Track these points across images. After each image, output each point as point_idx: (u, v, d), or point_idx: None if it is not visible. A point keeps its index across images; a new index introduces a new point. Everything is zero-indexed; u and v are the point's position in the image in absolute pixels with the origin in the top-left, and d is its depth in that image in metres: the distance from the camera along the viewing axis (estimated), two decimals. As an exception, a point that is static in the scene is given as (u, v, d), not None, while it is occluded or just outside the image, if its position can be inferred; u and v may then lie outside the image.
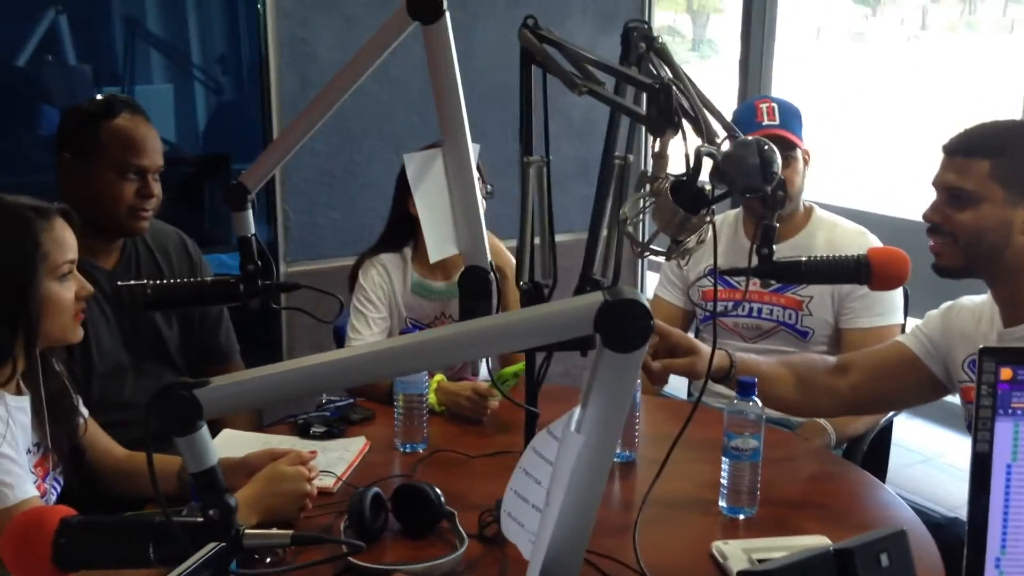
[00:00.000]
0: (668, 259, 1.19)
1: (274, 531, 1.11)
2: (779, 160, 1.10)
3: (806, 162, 2.43)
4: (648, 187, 1.16)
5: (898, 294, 2.39)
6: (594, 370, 0.95)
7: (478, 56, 3.34)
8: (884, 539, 1.10)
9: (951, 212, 1.74)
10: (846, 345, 2.37)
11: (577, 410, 0.99)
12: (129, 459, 1.87)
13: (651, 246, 1.21)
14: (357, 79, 1.55)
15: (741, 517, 1.72)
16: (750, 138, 1.11)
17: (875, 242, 2.39)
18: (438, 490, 1.66)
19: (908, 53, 10.22)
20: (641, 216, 1.21)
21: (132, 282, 1.63)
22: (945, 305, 1.94)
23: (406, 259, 2.47)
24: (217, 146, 3.50)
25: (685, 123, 1.21)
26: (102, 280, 2.09)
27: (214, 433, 2.04)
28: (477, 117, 1.57)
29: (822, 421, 2.24)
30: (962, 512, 1.61)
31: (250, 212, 1.67)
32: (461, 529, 1.62)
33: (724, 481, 1.73)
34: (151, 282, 1.63)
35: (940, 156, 1.77)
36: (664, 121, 1.14)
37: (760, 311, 2.45)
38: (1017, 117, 3.26)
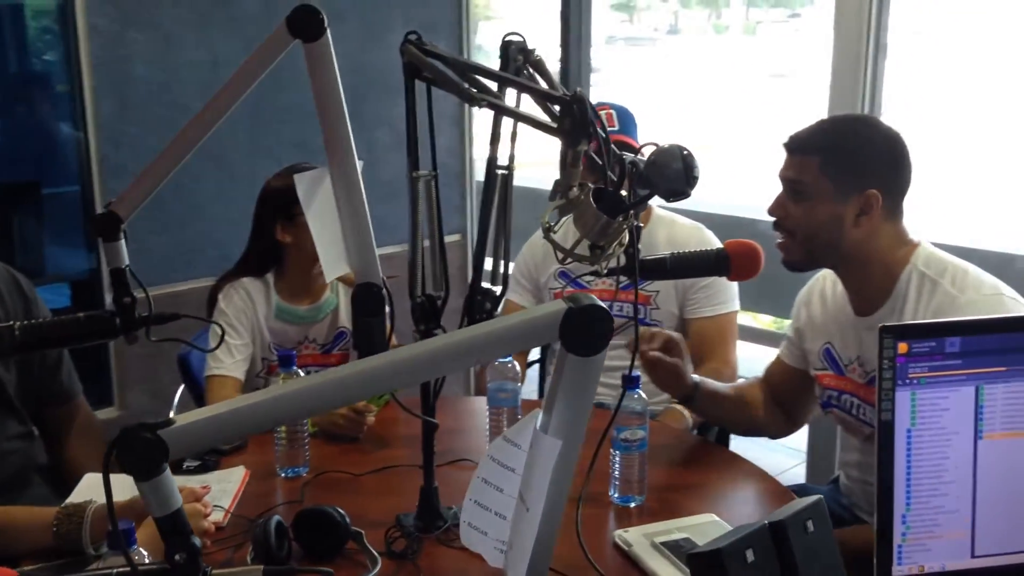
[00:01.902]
0: (592, 264, 1.24)
1: (244, 567, 1.07)
2: (699, 164, 1.18)
3: (644, 163, 2.56)
4: (567, 195, 1.21)
5: (735, 283, 2.56)
6: (558, 374, 0.98)
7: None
8: (807, 508, 1.20)
9: (790, 206, 1.88)
10: (692, 334, 2.52)
11: (539, 415, 1.02)
12: (-10, 515, 1.73)
13: (570, 252, 1.25)
14: (235, 100, 1.51)
15: (632, 505, 1.80)
16: (668, 144, 1.18)
17: (710, 235, 2.56)
18: (342, 510, 1.64)
19: (661, 55, 10.85)
20: (559, 223, 1.25)
21: (-2, 324, 1.50)
22: (800, 298, 2.10)
23: (268, 284, 2.41)
24: (21, 172, 3.25)
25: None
26: (-70, 325, 1.91)
27: (77, 478, 1.92)
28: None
29: (678, 406, 2.36)
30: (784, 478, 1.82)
31: (123, 242, 1.59)
32: (371, 548, 1.61)
33: (615, 472, 1.80)
34: (19, 323, 1.51)
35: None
36: (579, 132, 1.19)
37: (611, 308, 2.54)
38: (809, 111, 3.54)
